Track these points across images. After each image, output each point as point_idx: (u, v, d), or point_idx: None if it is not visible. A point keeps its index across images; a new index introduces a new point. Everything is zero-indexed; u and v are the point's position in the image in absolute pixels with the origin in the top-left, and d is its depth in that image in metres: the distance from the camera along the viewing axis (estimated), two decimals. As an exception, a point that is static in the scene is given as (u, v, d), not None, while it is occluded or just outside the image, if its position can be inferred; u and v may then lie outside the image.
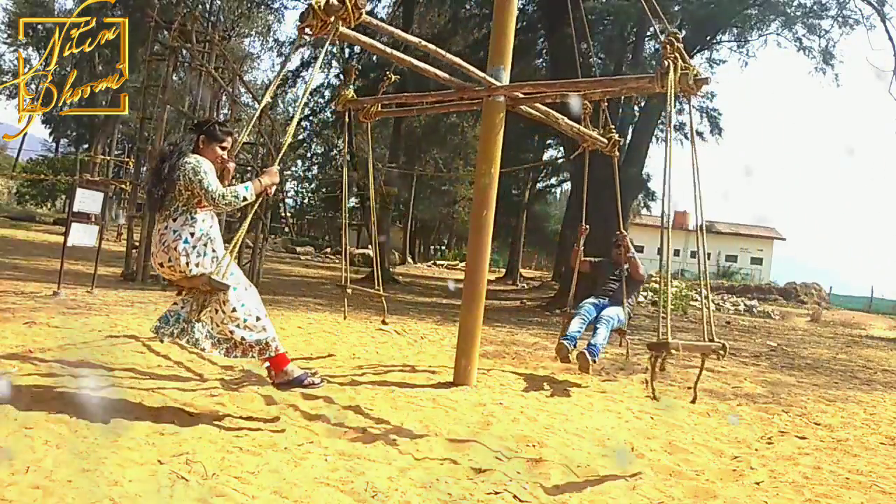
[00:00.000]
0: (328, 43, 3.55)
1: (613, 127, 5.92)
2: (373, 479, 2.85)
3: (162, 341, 3.37)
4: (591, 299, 5.69)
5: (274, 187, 3.37)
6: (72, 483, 2.48)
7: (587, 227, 6.04)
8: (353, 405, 4.02)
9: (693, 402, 4.04)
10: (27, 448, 2.76)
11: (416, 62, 4.65)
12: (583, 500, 2.89)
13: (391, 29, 4.70)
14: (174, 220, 3.21)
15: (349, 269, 5.83)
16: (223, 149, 3.38)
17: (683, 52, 3.83)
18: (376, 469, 2.99)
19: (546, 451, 3.47)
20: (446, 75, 4.93)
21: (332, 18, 3.42)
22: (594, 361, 5.21)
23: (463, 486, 2.90)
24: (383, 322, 7.17)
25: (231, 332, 3.25)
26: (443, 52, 4.69)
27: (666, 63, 3.76)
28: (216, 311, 3.24)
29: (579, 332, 5.42)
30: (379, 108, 5.68)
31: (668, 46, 3.78)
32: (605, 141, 5.83)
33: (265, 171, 3.37)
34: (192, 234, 3.20)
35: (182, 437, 3.12)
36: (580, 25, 10.39)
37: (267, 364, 3.43)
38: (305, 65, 23.15)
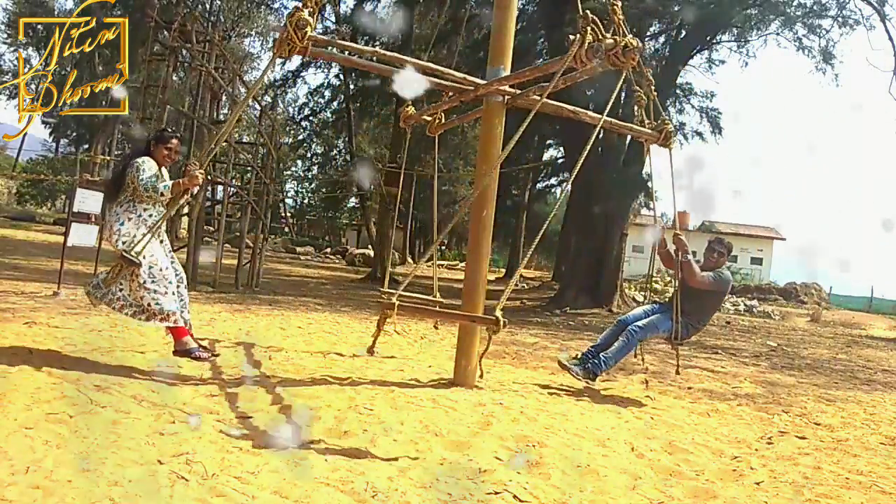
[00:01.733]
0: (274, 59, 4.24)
1: (666, 117, 5.39)
2: (373, 479, 2.85)
3: (92, 303, 4.24)
4: (649, 305, 5.28)
5: (195, 188, 4.12)
6: (72, 483, 2.48)
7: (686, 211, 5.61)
8: (353, 405, 4.02)
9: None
10: (27, 448, 2.76)
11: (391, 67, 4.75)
12: (583, 501, 2.89)
13: (343, 43, 4.88)
14: (119, 206, 4.10)
15: (346, 270, 5.81)
16: (168, 149, 4.22)
17: (600, 24, 3.92)
18: (376, 469, 2.99)
19: (546, 451, 3.47)
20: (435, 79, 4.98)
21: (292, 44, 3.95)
22: (579, 376, 4.91)
23: (463, 486, 2.90)
24: (435, 326, 7.15)
25: (141, 299, 4.01)
26: (407, 58, 4.80)
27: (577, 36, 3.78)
28: (131, 281, 3.98)
29: (603, 339, 5.13)
30: (443, 120, 5.88)
31: (581, 20, 3.88)
32: (657, 134, 5.26)
33: (187, 173, 3.96)
34: (130, 220, 4.05)
35: (182, 437, 3.12)
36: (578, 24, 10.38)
37: (168, 333, 4.26)
38: (305, 65, 23.18)
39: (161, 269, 4.04)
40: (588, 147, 3.72)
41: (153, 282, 4.00)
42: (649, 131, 5.28)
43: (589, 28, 3.83)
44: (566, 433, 3.85)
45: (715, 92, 18.65)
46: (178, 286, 4.21)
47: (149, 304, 4.00)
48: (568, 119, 5.76)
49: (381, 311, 4.03)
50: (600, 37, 3.82)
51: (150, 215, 4.09)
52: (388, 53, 4.74)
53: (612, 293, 14.89)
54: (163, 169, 4.22)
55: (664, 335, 5.01)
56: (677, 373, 5.18)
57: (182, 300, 4.25)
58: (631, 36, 3.94)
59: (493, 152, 5.02)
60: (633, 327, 4.99)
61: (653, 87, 5.26)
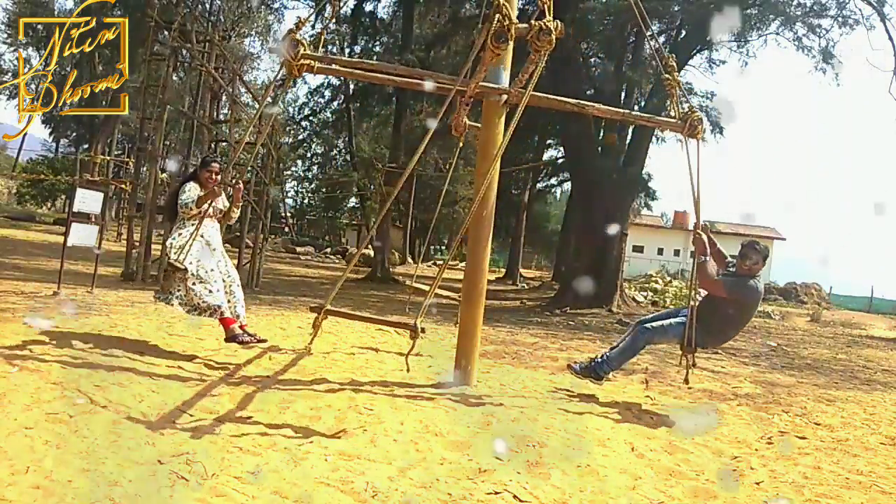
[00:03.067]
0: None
1: (691, 105, 5.03)
2: (373, 479, 2.85)
3: (156, 304, 5.00)
4: (674, 309, 5.09)
5: (218, 200, 4.79)
6: (72, 483, 2.48)
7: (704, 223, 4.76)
8: (353, 405, 4.02)
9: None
10: (27, 448, 2.76)
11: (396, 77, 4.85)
12: (583, 501, 2.89)
13: (339, 58, 4.89)
14: (174, 225, 4.84)
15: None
16: (209, 171, 4.82)
17: (510, 9, 3.83)
18: (376, 469, 2.99)
19: (546, 451, 3.47)
20: (431, 84, 4.96)
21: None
22: (580, 374, 4.86)
23: (463, 486, 2.90)
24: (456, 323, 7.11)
25: (191, 299, 4.64)
26: (394, 65, 4.81)
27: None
28: (184, 283, 4.60)
29: (620, 342, 4.96)
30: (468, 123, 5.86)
31: (493, 9, 3.77)
32: (682, 123, 4.88)
33: (207, 188, 4.68)
34: (180, 234, 4.69)
35: (182, 437, 3.12)
36: (579, 25, 10.37)
37: (220, 323, 4.81)
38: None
39: (207, 272, 4.65)
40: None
41: (200, 282, 4.63)
42: (673, 121, 4.98)
43: (497, 15, 3.73)
44: (566, 433, 3.85)
45: (715, 92, 18.67)
46: (229, 286, 4.88)
47: (199, 303, 4.64)
48: (573, 114, 5.70)
49: (314, 316, 4.25)
50: (508, 23, 3.69)
51: (187, 225, 4.73)
52: (380, 64, 4.77)
53: (612, 293, 14.89)
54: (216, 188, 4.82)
55: (676, 341, 4.70)
56: (686, 382, 4.81)
57: (234, 296, 4.91)
58: (552, 20, 3.80)
59: (493, 152, 5.02)
60: (642, 327, 4.82)
61: (677, 75, 4.96)
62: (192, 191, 4.72)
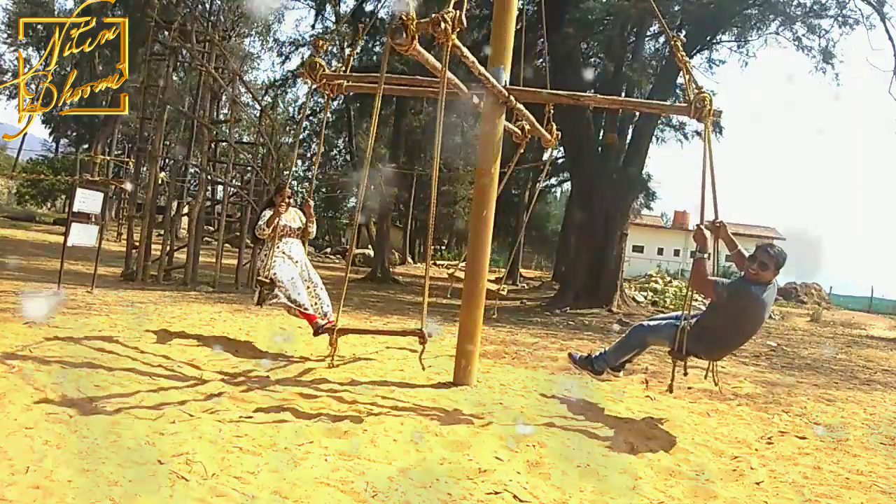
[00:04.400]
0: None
1: (702, 88, 4.62)
2: (373, 479, 2.85)
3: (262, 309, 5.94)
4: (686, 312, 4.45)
5: (294, 220, 5.47)
6: (72, 483, 2.48)
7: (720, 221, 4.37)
8: (353, 405, 4.02)
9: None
10: (27, 448, 2.76)
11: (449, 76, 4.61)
12: (583, 501, 2.89)
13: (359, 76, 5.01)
14: (262, 250, 5.55)
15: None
16: (281, 195, 5.32)
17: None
18: (376, 469, 2.99)
19: (546, 451, 3.47)
20: (462, 86, 4.87)
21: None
22: (578, 364, 4.77)
23: (463, 486, 2.90)
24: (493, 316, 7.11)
25: (284, 303, 5.25)
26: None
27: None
28: (272, 292, 5.22)
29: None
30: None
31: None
32: (690, 107, 4.59)
33: (274, 208, 5.28)
34: (265, 255, 5.32)
35: (182, 437, 3.12)
36: (578, 26, 10.36)
37: (306, 320, 5.39)
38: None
39: (289, 279, 5.25)
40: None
41: (285, 289, 5.21)
42: (679, 105, 4.75)
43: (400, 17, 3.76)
44: (566, 433, 3.85)
45: (715, 91, 18.67)
46: (313, 289, 5.49)
47: (289, 305, 5.25)
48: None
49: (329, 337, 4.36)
50: (406, 20, 3.66)
51: (277, 246, 5.31)
52: (404, 77, 4.71)
53: (612, 293, 14.89)
54: (291, 210, 5.47)
55: (667, 343, 4.29)
56: (669, 390, 4.39)
57: (319, 299, 5.50)
58: (451, 10, 3.73)
59: (494, 152, 5.02)
60: (639, 323, 4.66)
61: (684, 55, 4.71)
62: (264, 214, 5.36)
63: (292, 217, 5.49)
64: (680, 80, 16.46)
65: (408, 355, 6.11)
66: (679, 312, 4.34)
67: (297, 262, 5.46)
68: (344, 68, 5.32)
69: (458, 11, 3.72)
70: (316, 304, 5.47)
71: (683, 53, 4.78)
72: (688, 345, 4.08)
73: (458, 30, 3.73)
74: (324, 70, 4.91)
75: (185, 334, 5.94)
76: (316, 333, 5.33)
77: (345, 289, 4.39)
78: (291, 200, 5.42)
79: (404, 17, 3.65)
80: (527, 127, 5.93)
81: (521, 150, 6.52)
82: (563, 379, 5.58)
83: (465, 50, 4.09)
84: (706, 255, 4.10)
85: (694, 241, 4.18)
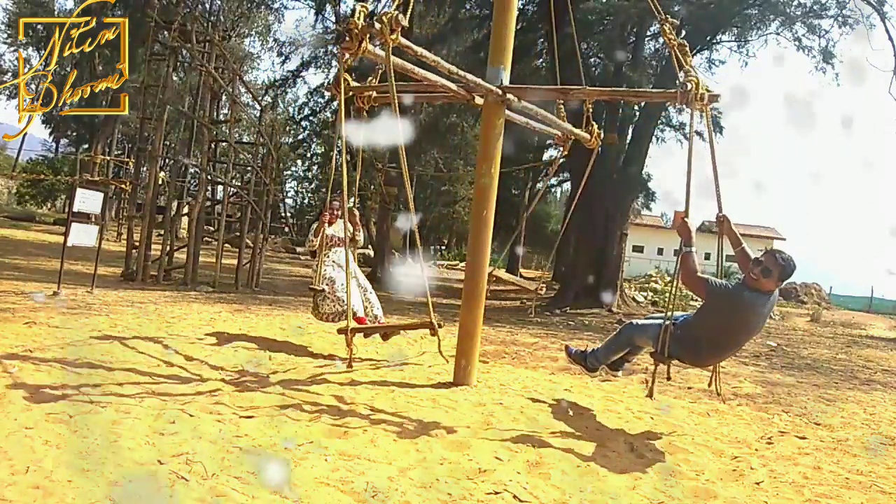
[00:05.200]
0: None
1: (692, 71, 4.45)
2: (373, 479, 2.85)
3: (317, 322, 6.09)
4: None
5: (339, 231, 5.74)
6: (72, 483, 2.48)
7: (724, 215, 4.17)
8: (353, 405, 4.02)
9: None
10: (27, 448, 2.76)
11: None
12: (583, 501, 2.89)
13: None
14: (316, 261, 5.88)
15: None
16: (331, 211, 5.73)
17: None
18: (376, 469, 2.99)
19: (546, 451, 3.47)
20: (452, 85, 4.83)
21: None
22: (572, 358, 4.66)
23: (463, 486, 2.90)
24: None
25: (330, 310, 5.60)
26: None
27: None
28: (325, 300, 5.62)
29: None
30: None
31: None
32: (676, 94, 4.40)
33: (330, 222, 5.70)
34: (316, 264, 5.77)
35: (182, 437, 3.12)
36: (579, 26, 10.32)
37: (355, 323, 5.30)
38: (305, 65, 23.13)
39: (339, 285, 5.55)
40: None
41: (335, 296, 5.57)
42: (669, 91, 4.54)
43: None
44: (566, 433, 3.85)
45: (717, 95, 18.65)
46: (363, 293, 5.75)
47: (335, 311, 5.55)
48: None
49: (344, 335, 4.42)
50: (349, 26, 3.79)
51: (327, 256, 5.73)
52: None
53: (612, 293, 14.89)
54: (340, 221, 5.75)
55: (650, 343, 4.03)
56: (649, 396, 4.21)
57: (370, 302, 5.77)
58: (389, 11, 3.82)
59: (493, 152, 5.02)
60: (629, 322, 4.48)
61: (674, 35, 4.62)
62: (313, 229, 5.85)
63: (341, 228, 5.80)
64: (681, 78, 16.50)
65: (407, 356, 6.11)
66: (678, 313, 4.09)
67: (353, 274, 5.72)
68: (372, 79, 5.40)
69: (396, 13, 3.78)
70: (367, 307, 5.75)
71: (673, 35, 4.68)
72: (671, 348, 3.80)
73: (396, 30, 3.79)
74: (348, 84, 4.90)
75: (185, 335, 5.94)
76: (367, 336, 5.58)
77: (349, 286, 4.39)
78: (339, 213, 5.78)
79: (349, 22, 3.75)
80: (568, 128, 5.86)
81: (566, 153, 6.50)
82: (564, 379, 5.58)
83: (419, 50, 4.23)
84: (693, 250, 3.81)
85: (678, 235, 3.89)
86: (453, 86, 4.78)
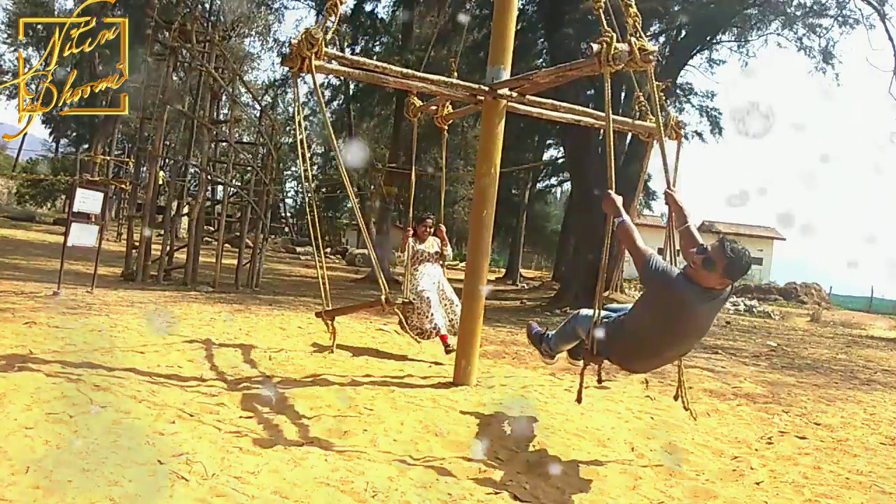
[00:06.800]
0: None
1: (612, 33, 3.78)
2: (373, 479, 2.85)
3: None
4: None
5: (431, 246, 6.07)
6: (72, 483, 2.48)
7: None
8: (353, 405, 4.02)
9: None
10: (27, 448, 2.76)
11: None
12: (583, 501, 2.89)
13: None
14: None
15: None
16: (424, 226, 6.10)
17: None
18: (376, 469, 2.99)
19: (546, 451, 3.47)
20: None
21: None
22: (531, 339, 4.15)
23: (463, 486, 2.90)
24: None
25: (417, 325, 5.60)
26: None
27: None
28: (413, 313, 5.57)
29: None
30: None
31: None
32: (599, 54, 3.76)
33: (421, 238, 6.07)
34: (413, 276, 5.91)
35: (182, 437, 3.12)
36: (580, 26, 10.33)
37: (438, 339, 5.73)
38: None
39: (425, 299, 5.66)
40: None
41: (420, 311, 5.62)
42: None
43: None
44: (566, 433, 3.85)
45: (715, 91, 18.70)
46: (449, 306, 5.87)
47: (421, 328, 5.62)
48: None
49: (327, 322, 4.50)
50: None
51: (416, 269, 5.96)
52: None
53: (612, 293, 14.88)
54: (430, 239, 6.10)
55: (583, 336, 3.51)
56: (578, 401, 3.61)
57: (455, 315, 5.74)
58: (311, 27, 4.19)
59: (493, 152, 5.02)
60: (578, 311, 3.77)
61: (657, 85, 4.27)
62: (403, 245, 5.99)
63: (430, 244, 6.09)
64: (680, 79, 16.53)
65: (407, 355, 6.11)
66: (621, 305, 3.61)
67: (434, 282, 5.94)
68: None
69: (316, 27, 4.17)
70: (452, 319, 5.82)
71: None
72: (600, 345, 3.27)
73: (315, 48, 4.09)
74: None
75: (185, 335, 5.94)
76: (447, 352, 5.60)
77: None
78: (431, 230, 6.08)
79: (292, 43, 4.11)
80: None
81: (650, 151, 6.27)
82: (563, 379, 5.58)
83: (363, 60, 4.66)
84: (624, 219, 3.41)
85: (605, 210, 3.52)
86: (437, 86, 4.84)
